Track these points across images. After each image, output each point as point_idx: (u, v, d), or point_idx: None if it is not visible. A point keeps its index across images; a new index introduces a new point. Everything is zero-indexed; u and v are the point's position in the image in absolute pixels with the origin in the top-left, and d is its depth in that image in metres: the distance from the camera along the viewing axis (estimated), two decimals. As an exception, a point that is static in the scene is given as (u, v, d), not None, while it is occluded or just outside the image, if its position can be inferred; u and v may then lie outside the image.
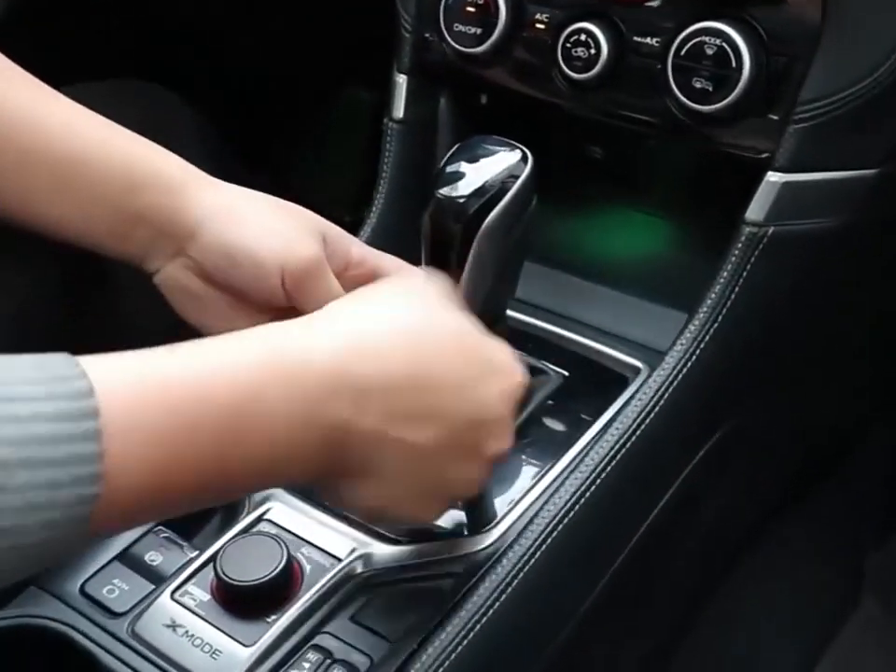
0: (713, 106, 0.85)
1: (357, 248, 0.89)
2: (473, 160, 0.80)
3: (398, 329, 0.68)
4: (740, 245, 0.85)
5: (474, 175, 0.79)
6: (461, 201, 0.78)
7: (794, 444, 1.07)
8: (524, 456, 0.87)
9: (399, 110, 1.02)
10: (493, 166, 0.79)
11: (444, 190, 0.79)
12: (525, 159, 0.80)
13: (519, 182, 0.79)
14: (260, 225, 0.83)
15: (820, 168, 0.85)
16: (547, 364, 0.94)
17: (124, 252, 0.85)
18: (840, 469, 1.19)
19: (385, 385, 0.65)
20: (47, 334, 0.92)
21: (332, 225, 0.88)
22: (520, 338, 0.95)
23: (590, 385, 0.92)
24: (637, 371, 0.92)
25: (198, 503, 0.63)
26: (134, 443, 0.56)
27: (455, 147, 0.82)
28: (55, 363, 0.55)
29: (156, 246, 0.85)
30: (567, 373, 0.93)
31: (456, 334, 0.71)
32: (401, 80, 1.02)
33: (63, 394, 0.54)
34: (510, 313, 0.93)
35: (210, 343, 0.63)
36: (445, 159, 0.81)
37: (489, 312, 0.85)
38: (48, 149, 0.83)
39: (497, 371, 0.72)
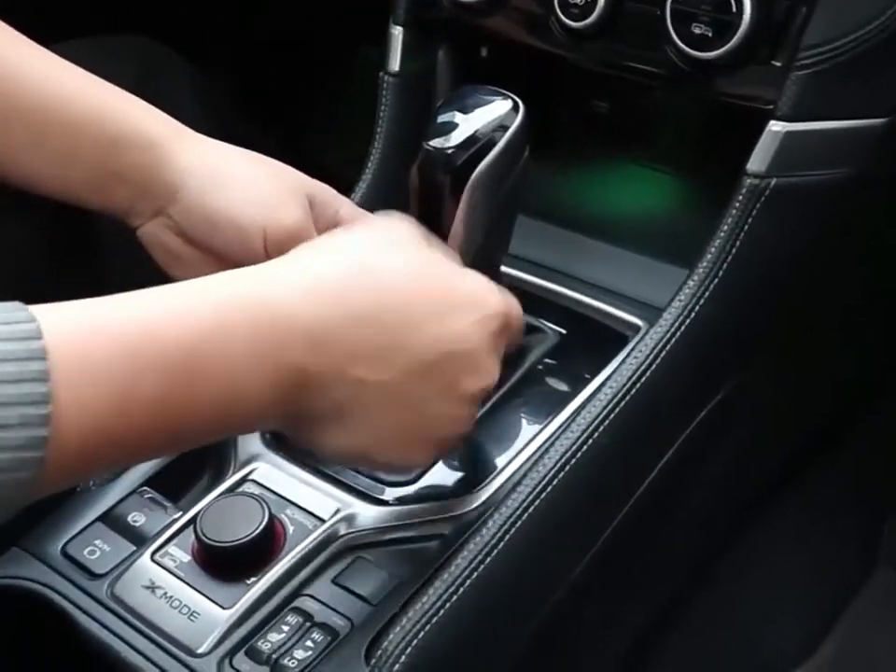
0: (713, 53, 0.82)
1: (346, 210, 0.86)
2: (464, 109, 0.78)
3: (359, 267, 0.65)
4: (741, 198, 0.82)
5: (464, 125, 0.76)
6: (449, 152, 0.75)
7: (803, 407, 1.04)
8: (518, 416, 0.85)
9: (394, 63, 1.00)
10: (483, 116, 0.77)
11: (433, 142, 0.76)
12: (516, 108, 0.78)
13: (509, 132, 0.77)
14: (244, 188, 0.81)
15: (825, 117, 0.81)
16: (544, 322, 0.91)
17: (105, 207, 0.84)
18: (852, 434, 1.16)
19: (344, 326, 0.63)
20: (33, 292, 0.90)
21: (321, 186, 0.86)
22: (516, 295, 0.92)
23: (588, 344, 0.89)
24: (637, 329, 0.89)
25: (153, 449, 0.61)
26: (85, 385, 0.54)
27: (447, 96, 0.80)
28: (2, 308, 0.54)
29: (137, 205, 0.83)
30: (564, 331, 0.90)
31: (422, 269, 0.68)
32: (397, 32, 0.99)
33: (8, 335, 0.52)
34: (506, 269, 0.91)
35: (169, 287, 0.60)
36: (436, 109, 0.78)
37: (482, 268, 0.83)
38: (24, 101, 0.81)
39: (468, 302, 0.69)
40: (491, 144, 0.76)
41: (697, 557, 1.02)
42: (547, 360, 0.89)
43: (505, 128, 0.76)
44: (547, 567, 0.78)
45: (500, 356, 0.71)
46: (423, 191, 0.78)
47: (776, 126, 0.81)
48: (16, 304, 0.54)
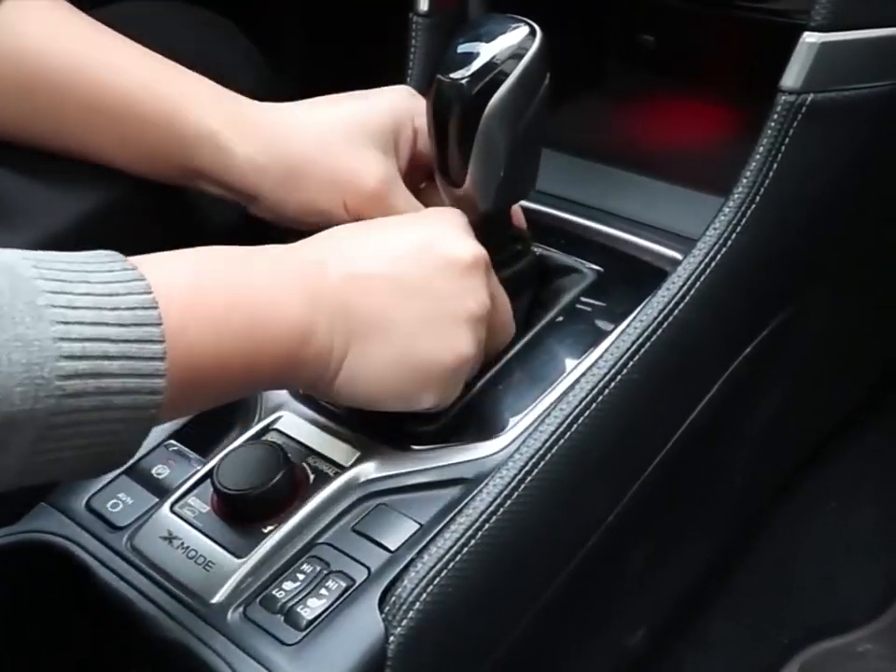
0: (740, -37, 0.78)
1: (419, 122, 0.85)
2: (478, 38, 0.75)
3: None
4: (776, 116, 0.77)
5: (478, 54, 0.73)
6: (463, 82, 0.73)
7: (863, 347, 0.98)
8: (550, 356, 0.81)
9: (423, 3, 0.96)
10: (498, 44, 0.74)
11: (445, 72, 0.74)
12: (533, 34, 0.74)
13: (526, 59, 0.73)
14: (319, 173, 0.82)
15: (864, 25, 0.76)
16: (580, 260, 0.87)
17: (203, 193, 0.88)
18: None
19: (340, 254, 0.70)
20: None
21: (398, 106, 0.85)
22: (551, 234, 0.89)
23: (626, 281, 0.85)
24: (677, 263, 0.84)
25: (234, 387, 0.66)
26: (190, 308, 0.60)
27: (463, 26, 0.77)
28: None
29: (229, 197, 0.86)
30: (601, 269, 0.86)
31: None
32: (424, -30, 0.96)
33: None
34: (539, 207, 0.88)
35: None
36: (450, 40, 0.75)
37: (504, 206, 0.80)
38: (106, 101, 0.84)
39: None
40: (507, 72, 0.73)
41: (750, 508, 0.97)
42: (583, 299, 0.85)
43: (521, 55, 0.73)
44: (575, 513, 0.75)
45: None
46: (437, 127, 0.76)
47: (810, 37, 0.76)
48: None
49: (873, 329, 0.98)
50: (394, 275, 0.70)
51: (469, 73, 0.72)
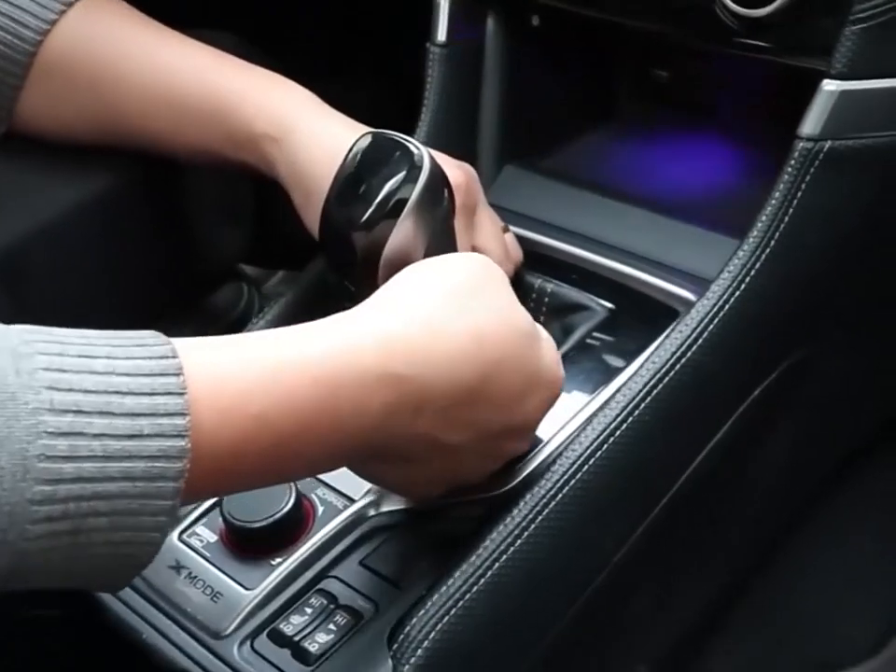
0: (763, 11, 0.78)
1: None
2: (367, 170, 0.70)
3: (469, 329, 0.64)
4: (793, 163, 0.77)
5: (368, 189, 0.69)
6: (359, 225, 0.68)
7: (879, 388, 0.98)
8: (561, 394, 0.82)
9: (441, 33, 0.95)
10: (387, 176, 0.69)
11: (338, 212, 0.70)
12: (420, 161, 0.69)
13: (414, 197, 0.68)
14: None
15: (884, 74, 0.76)
16: (592, 297, 0.87)
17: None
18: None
19: (447, 397, 0.63)
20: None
21: None
22: (564, 269, 0.89)
23: (637, 319, 0.85)
24: (689, 303, 0.84)
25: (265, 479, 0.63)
26: (217, 409, 0.54)
27: (348, 152, 0.71)
28: (142, 334, 0.55)
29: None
30: (612, 306, 0.87)
31: (519, 339, 0.67)
32: (443, 2, 0.95)
33: (141, 353, 0.53)
34: (554, 242, 0.88)
35: (290, 333, 0.61)
36: (338, 169, 0.71)
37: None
38: (166, 92, 0.88)
39: (544, 382, 0.69)
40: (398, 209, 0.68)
41: (757, 546, 0.97)
42: (594, 335, 0.85)
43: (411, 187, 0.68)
44: (583, 553, 0.75)
45: None
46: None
47: (829, 85, 0.76)
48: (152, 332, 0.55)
49: (885, 370, 0.98)
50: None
51: (363, 216, 0.68)
